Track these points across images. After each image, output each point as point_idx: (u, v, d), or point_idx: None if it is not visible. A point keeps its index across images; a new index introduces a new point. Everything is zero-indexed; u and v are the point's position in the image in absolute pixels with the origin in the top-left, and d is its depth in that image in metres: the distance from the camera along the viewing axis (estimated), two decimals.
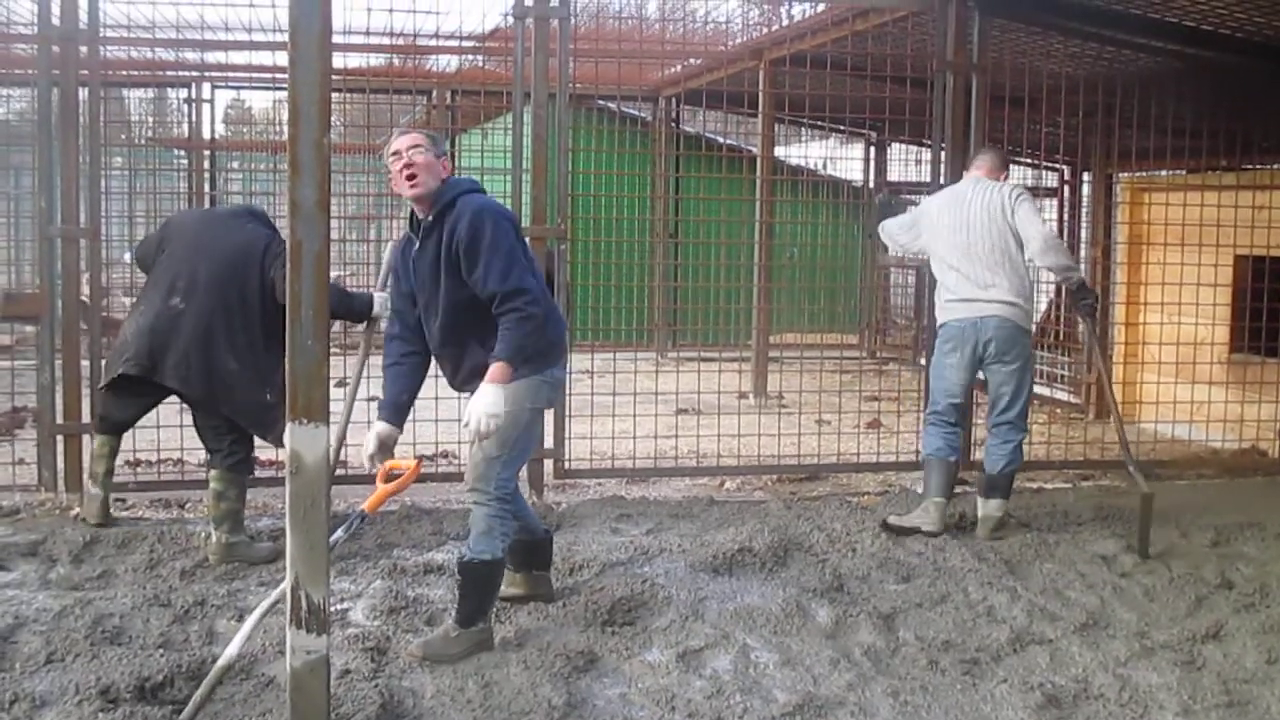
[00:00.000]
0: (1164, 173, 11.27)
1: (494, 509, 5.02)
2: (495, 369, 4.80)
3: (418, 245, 5.02)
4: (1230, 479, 8.93)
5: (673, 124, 15.31)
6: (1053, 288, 12.48)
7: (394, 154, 4.94)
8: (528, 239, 5.48)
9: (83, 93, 7.55)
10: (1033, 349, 7.29)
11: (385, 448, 5.13)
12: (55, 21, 7.35)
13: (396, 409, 5.18)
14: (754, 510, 7.45)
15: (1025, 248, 6.97)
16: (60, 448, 7.48)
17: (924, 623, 5.52)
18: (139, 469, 7.91)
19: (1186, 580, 6.20)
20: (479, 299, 4.87)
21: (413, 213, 5.07)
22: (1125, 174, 11.59)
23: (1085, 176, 13.29)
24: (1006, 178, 7.34)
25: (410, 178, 4.90)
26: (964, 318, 6.97)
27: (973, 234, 6.96)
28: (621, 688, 4.77)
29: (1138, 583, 6.20)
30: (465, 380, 5.10)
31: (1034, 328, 7.55)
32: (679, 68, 13.54)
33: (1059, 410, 11.47)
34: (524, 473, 7.61)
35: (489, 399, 4.78)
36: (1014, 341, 6.94)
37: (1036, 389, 11.85)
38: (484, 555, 5.01)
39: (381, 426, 5.13)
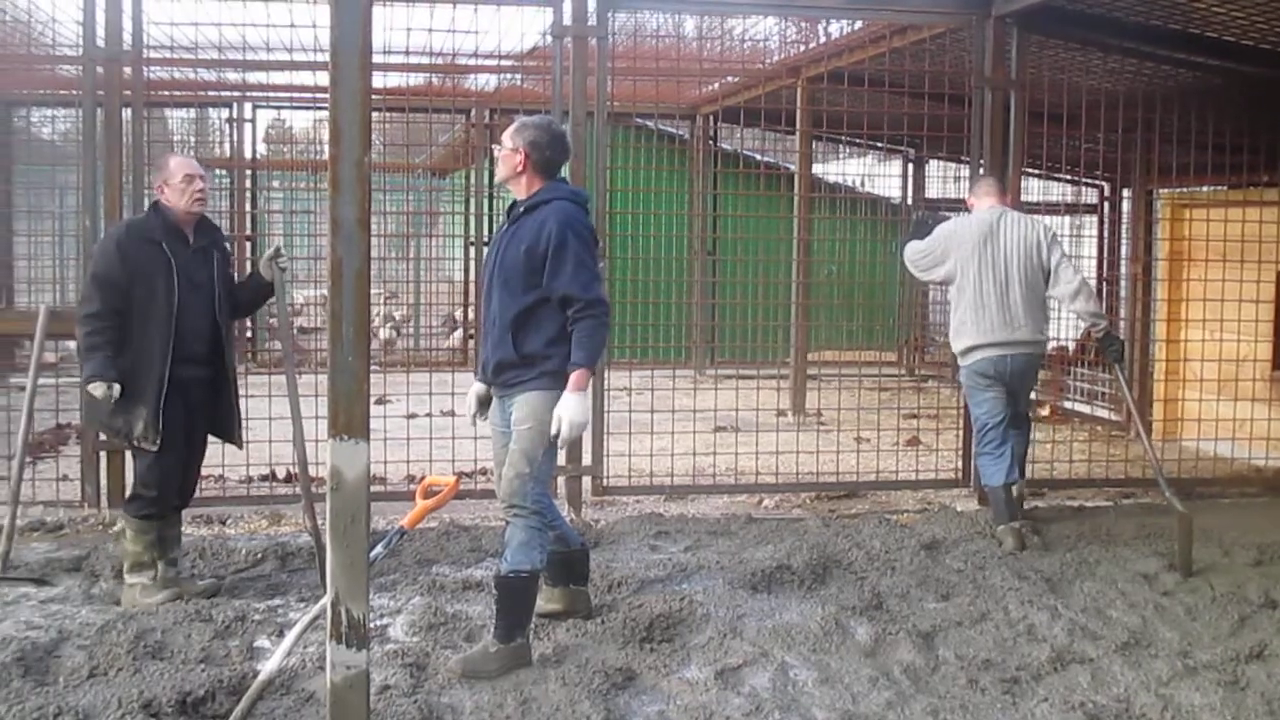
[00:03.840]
0: (1205, 188, 11.20)
1: (532, 522, 5.10)
2: (577, 376, 5.00)
3: (508, 225, 5.26)
4: (1273, 497, 8.84)
5: (710, 142, 15.32)
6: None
7: None
8: None
9: (126, 113, 7.63)
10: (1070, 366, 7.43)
11: (484, 405, 5.44)
12: (100, 43, 7.45)
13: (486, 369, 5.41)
14: (792, 528, 7.43)
15: (1055, 287, 7.29)
16: (103, 464, 7.55)
17: (964, 641, 5.49)
18: None
19: (1229, 599, 6.14)
20: (545, 298, 5.05)
21: (514, 200, 5.33)
22: (1166, 190, 11.51)
23: (1125, 193, 13.22)
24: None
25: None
26: (992, 356, 7.28)
27: (1010, 269, 7.22)
28: (660, 705, 4.77)
29: (1180, 601, 6.15)
30: (492, 373, 5.23)
31: (1073, 345, 7.69)
32: (716, 85, 13.55)
33: (1099, 428, 11.39)
34: (562, 489, 7.65)
35: (575, 407, 4.99)
36: (1034, 370, 7.52)
37: (1077, 406, 11.87)
38: (523, 567, 5.06)
39: (478, 386, 5.43)
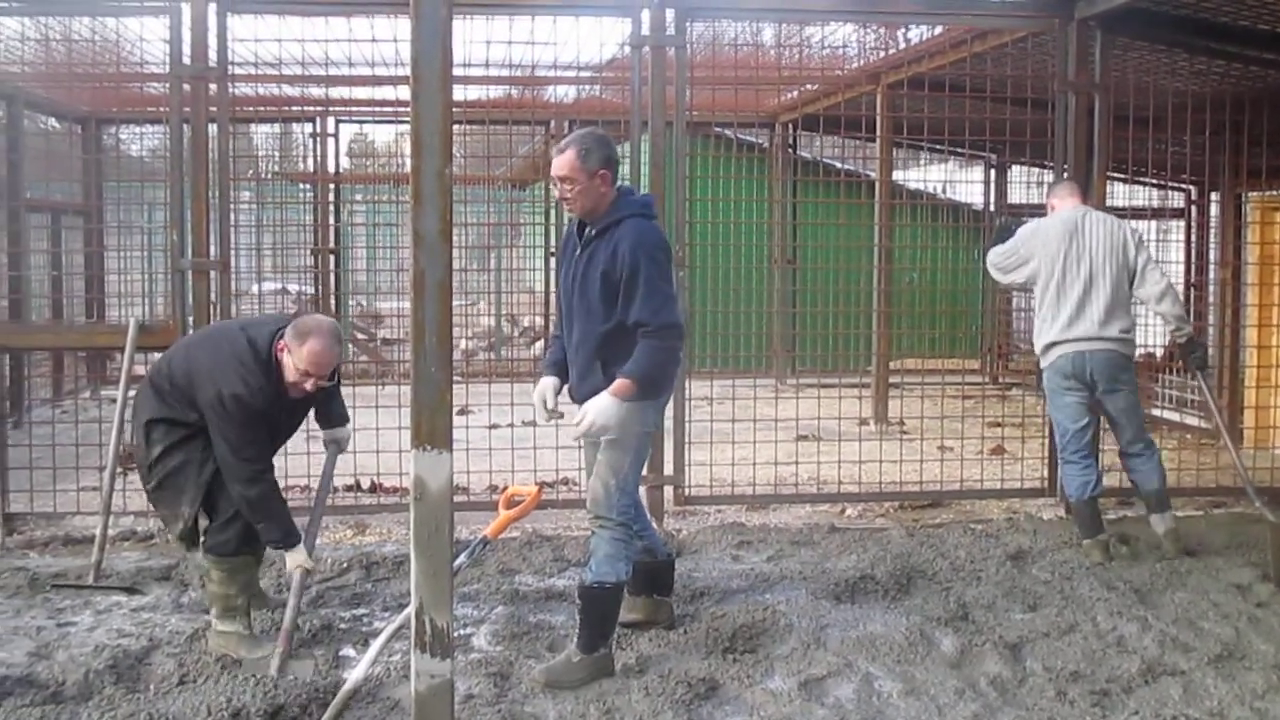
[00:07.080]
0: None
1: (618, 534, 5.10)
2: (620, 384, 4.97)
3: (580, 250, 5.18)
4: None
5: (790, 150, 15.27)
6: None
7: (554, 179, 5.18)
8: None
9: (212, 128, 7.75)
10: (1158, 373, 7.30)
11: (553, 394, 5.35)
12: (186, 60, 7.57)
13: (556, 365, 5.41)
14: (876, 537, 7.38)
15: (1141, 288, 7.17)
16: None
17: (1052, 653, 5.42)
18: None
19: None
20: (623, 324, 5.02)
21: (579, 220, 5.24)
22: (1255, 193, 11.30)
23: (1213, 196, 12.99)
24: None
25: (566, 200, 5.16)
26: (1069, 353, 7.13)
27: (1095, 268, 7.11)
28: (743, 716, 4.75)
29: (1275, 613, 6.02)
30: (584, 396, 5.19)
31: (1161, 351, 7.55)
32: (795, 93, 13.49)
33: (1190, 436, 11.18)
34: (644, 499, 7.65)
35: (605, 409, 4.97)
36: (1121, 369, 7.16)
37: (1166, 414, 11.66)
38: (607, 579, 5.06)
39: (546, 379, 5.40)
